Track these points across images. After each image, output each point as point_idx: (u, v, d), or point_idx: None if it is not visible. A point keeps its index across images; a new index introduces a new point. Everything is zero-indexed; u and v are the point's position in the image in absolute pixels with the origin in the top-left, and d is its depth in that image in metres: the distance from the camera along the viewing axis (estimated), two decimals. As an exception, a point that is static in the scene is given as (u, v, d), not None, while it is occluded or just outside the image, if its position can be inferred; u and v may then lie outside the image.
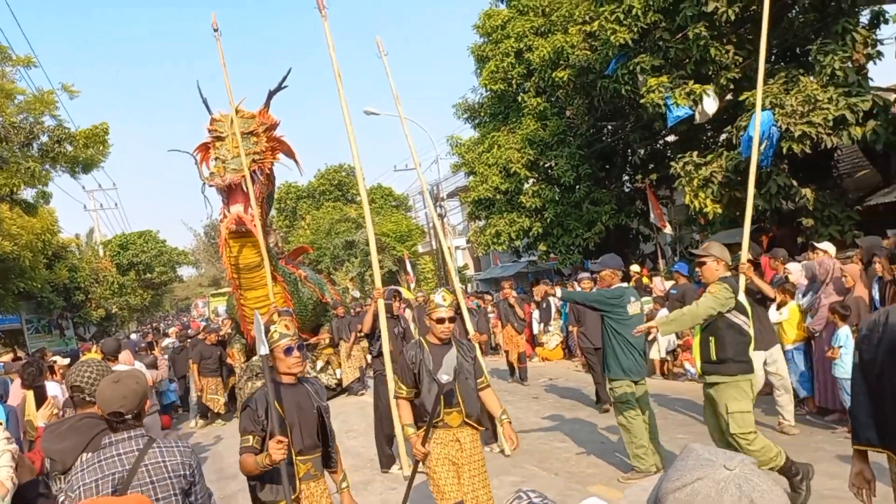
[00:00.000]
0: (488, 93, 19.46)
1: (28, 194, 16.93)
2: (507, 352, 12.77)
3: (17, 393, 7.66)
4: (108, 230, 43.44)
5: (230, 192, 9.44)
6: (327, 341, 13.55)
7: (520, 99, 18.06)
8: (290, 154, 10.21)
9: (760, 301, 7.03)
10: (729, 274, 5.36)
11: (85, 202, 45.20)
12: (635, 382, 6.45)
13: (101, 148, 16.09)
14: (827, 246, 8.06)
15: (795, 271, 8.15)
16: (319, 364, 13.31)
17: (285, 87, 9.75)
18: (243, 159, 9.10)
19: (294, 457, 3.60)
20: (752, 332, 5.23)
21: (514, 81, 18.35)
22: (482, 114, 20.50)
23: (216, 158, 9.29)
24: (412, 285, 27.19)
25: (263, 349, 3.55)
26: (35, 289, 21.77)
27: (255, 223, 9.44)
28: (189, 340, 14.95)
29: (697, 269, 5.73)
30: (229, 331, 13.74)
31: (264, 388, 3.62)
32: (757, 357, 6.15)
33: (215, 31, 8.71)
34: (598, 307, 6.48)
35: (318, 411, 3.77)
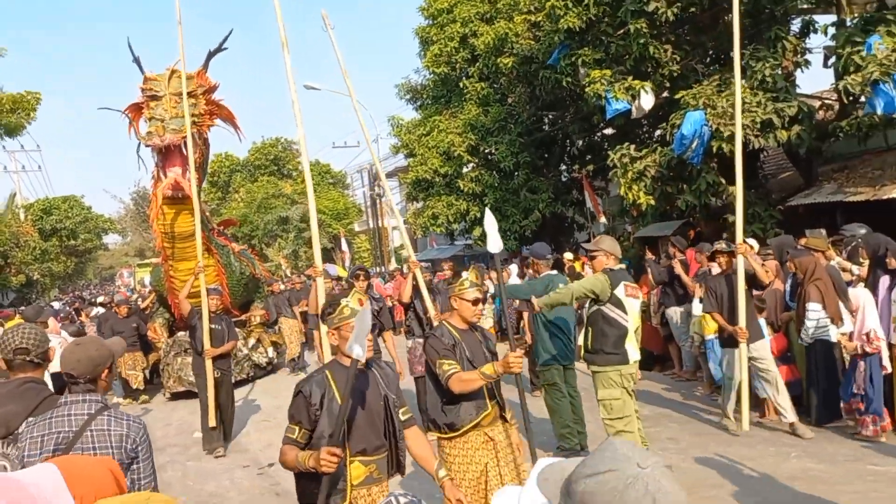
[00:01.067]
0: (432, 75, 19.51)
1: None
2: None
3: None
4: (31, 194, 41.59)
5: (168, 155, 9.00)
6: (258, 318, 13.11)
7: (462, 84, 18.19)
8: (229, 119, 9.81)
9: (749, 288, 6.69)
10: (618, 267, 5.60)
11: (5, 163, 43.08)
12: (564, 367, 6.81)
13: (27, 115, 15.44)
14: (752, 242, 8.52)
15: (716, 266, 8.59)
16: (251, 342, 12.85)
17: (225, 48, 9.38)
18: (187, 119, 8.52)
19: (348, 459, 3.06)
20: (629, 325, 5.48)
21: (457, 66, 18.44)
22: (424, 96, 20.53)
23: (152, 118, 8.83)
24: (347, 263, 27.13)
25: (358, 350, 2.85)
26: (-51, 252, 20.79)
27: (193, 189, 8.95)
28: (99, 314, 14.15)
29: (588, 263, 6.05)
30: (152, 304, 13.27)
31: (320, 372, 3.23)
32: (742, 350, 6.51)
33: None
34: (514, 296, 7.19)
35: (385, 402, 3.20)
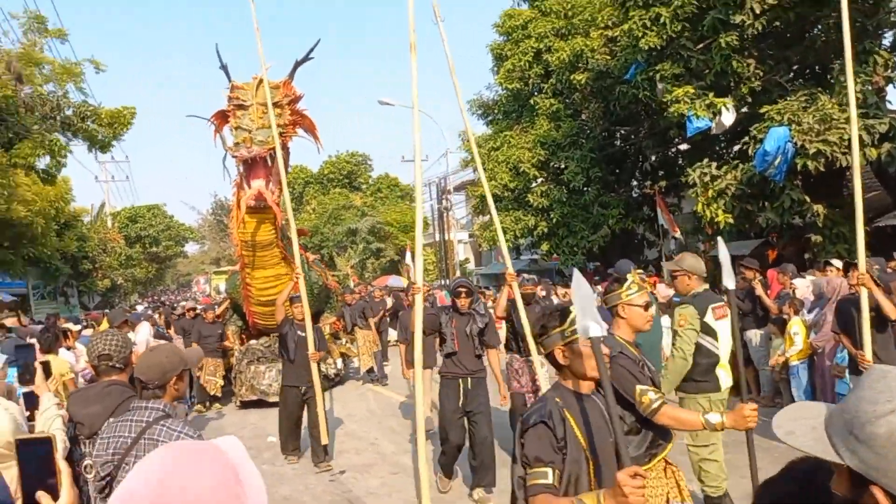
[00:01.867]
0: (504, 91, 19.57)
1: (42, 162, 17.04)
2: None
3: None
4: (118, 202, 43.60)
5: (252, 165, 8.93)
6: (328, 329, 12.68)
7: (533, 101, 18.18)
8: (311, 129, 9.63)
9: (880, 324, 5.97)
10: (703, 288, 5.24)
11: (97, 173, 45.24)
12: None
13: (123, 129, 16.27)
14: (839, 263, 8.19)
15: (802, 287, 8.29)
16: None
17: (312, 58, 9.26)
18: (274, 130, 8.42)
19: None
20: (721, 351, 5.24)
21: (530, 81, 18.46)
22: (496, 111, 20.62)
23: (239, 128, 8.74)
24: (412, 275, 27.38)
25: (595, 328, 2.18)
26: (44, 255, 21.97)
27: (276, 200, 8.96)
28: (184, 321, 13.91)
29: (669, 284, 5.79)
30: (225, 312, 13.27)
31: (547, 400, 2.53)
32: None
33: None
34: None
35: (612, 435, 2.43)
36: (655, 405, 3.16)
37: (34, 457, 1.46)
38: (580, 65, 15.85)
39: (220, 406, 12.27)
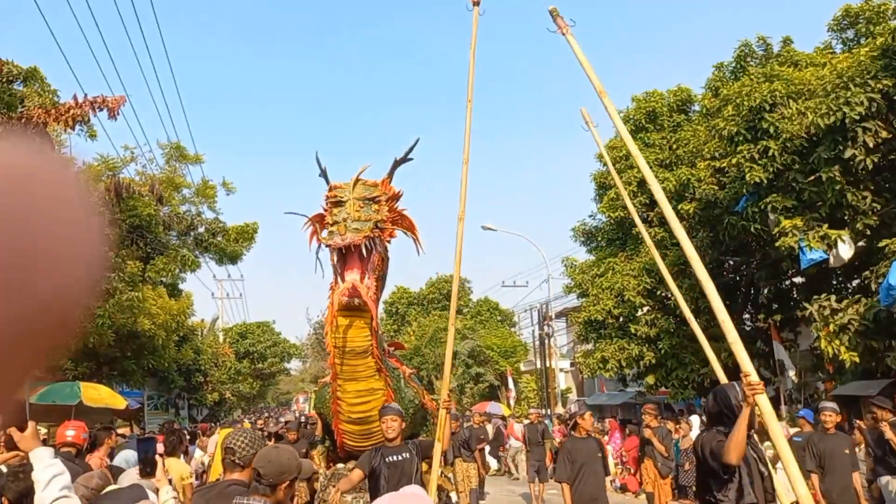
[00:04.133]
0: (607, 219, 19.80)
1: (173, 277, 18.42)
2: (648, 494, 10.96)
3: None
4: (230, 318, 45.91)
5: (346, 259, 8.29)
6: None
7: (636, 231, 18.28)
8: (410, 229, 8.97)
9: None
10: None
11: (213, 290, 48.13)
12: None
13: (247, 244, 17.54)
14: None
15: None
16: None
17: (411, 158, 8.86)
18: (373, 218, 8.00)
19: None
20: None
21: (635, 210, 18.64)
22: (599, 238, 20.78)
23: (334, 222, 8.21)
24: (511, 401, 26.94)
25: None
26: (162, 367, 23.17)
27: (373, 298, 8.29)
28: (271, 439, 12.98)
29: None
30: (320, 432, 11.89)
31: None
32: None
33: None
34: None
35: None
36: None
37: None
38: (687, 194, 15.94)
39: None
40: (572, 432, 6.84)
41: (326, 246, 8.10)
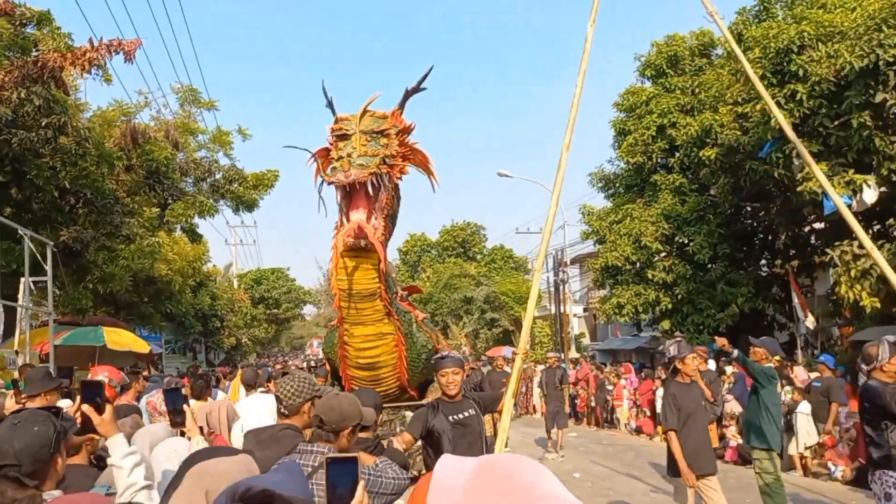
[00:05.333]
0: (626, 165, 19.60)
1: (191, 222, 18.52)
2: None
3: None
4: (244, 265, 46.28)
5: (352, 196, 7.71)
6: None
7: (654, 178, 18.11)
8: (423, 164, 8.33)
9: None
10: None
11: (227, 236, 48.38)
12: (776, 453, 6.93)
13: (265, 191, 17.52)
14: None
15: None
16: None
17: (424, 88, 8.10)
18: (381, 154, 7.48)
19: None
20: None
21: (654, 156, 18.42)
22: (617, 185, 20.61)
23: (339, 157, 7.61)
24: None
25: None
26: (180, 312, 23.49)
27: (381, 239, 7.77)
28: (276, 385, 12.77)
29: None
30: (326, 379, 11.28)
31: None
32: None
33: None
34: (759, 378, 6.88)
35: None
36: None
37: (346, 475, 1.62)
38: (708, 140, 15.71)
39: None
40: (674, 377, 6.09)
41: (329, 183, 7.53)
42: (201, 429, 3.64)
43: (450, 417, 4.78)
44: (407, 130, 7.86)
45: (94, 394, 2.73)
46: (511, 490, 1.10)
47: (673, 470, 5.92)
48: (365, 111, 7.63)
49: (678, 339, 5.80)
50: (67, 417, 2.77)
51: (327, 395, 3.37)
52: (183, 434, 3.67)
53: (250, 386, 8.41)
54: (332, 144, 7.62)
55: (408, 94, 7.98)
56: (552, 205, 4.91)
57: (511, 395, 4.34)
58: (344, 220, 7.59)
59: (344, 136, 7.52)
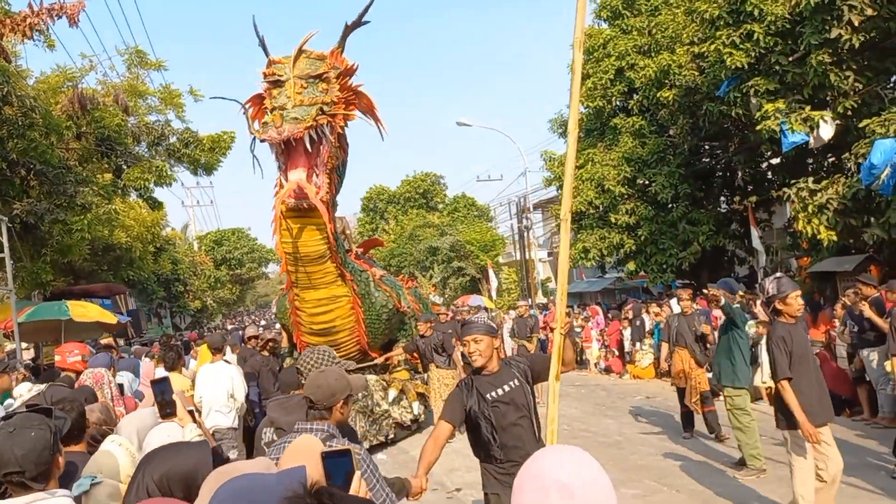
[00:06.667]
0: (586, 109, 19.59)
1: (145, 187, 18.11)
2: (680, 389, 9.05)
3: (150, 373, 8.29)
4: (203, 226, 45.54)
5: (289, 154, 7.05)
6: (401, 362, 10.52)
7: (614, 122, 18.14)
8: (369, 110, 7.63)
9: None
10: None
11: (183, 198, 47.40)
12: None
13: (223, 153, 17.13)
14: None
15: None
16: (392, 393, 9.94)
17: (366, 21, 7.42)
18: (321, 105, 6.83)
19: None
20: None
21: (613, 99, 18.44)
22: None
23: (272, 108, 6.90)
24: (493, 294, 27.49)
25: None
26: (142, 278, 23.12)
27: (325, 198, 7.21)
28: (238, 349, 10.81)
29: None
30: (287, 344, 10.64)
31: None
32: None
33: None
34: (737, 320, 7.30)
35: None
36: None
37: (340, 468, 1.65)
38: (666, 81, 15.77)
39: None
40: (777, 318, 5.17)
41: (262, 140, 6.91)
42: (192, 413, 3.62)
43: (487, 395, 3.76)
44: (349, 72, 7.19)
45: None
46: None
47: (787, 422, 5.02)
48: (300, 52, 6.85)
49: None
50: (60, 416, 2.79)
51: (313, 374, 3.36)
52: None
53: (217, 350, 8.22)
54: (265, 92, 7.00)
55: (348, 30, 7.20)
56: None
57: (555, 376, 3.45)
58: (282, 179, 7.10)
59: (278, 83, 6.90)
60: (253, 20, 7.44)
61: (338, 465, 1.64)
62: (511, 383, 3.81)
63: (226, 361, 8.29)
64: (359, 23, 7.40)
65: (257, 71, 7.21)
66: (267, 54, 7.20)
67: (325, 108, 6.95)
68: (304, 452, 1.97)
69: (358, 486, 1.65)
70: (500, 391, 3.77)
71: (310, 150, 6.95)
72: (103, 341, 11.71)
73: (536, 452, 1.48)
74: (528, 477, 1.35)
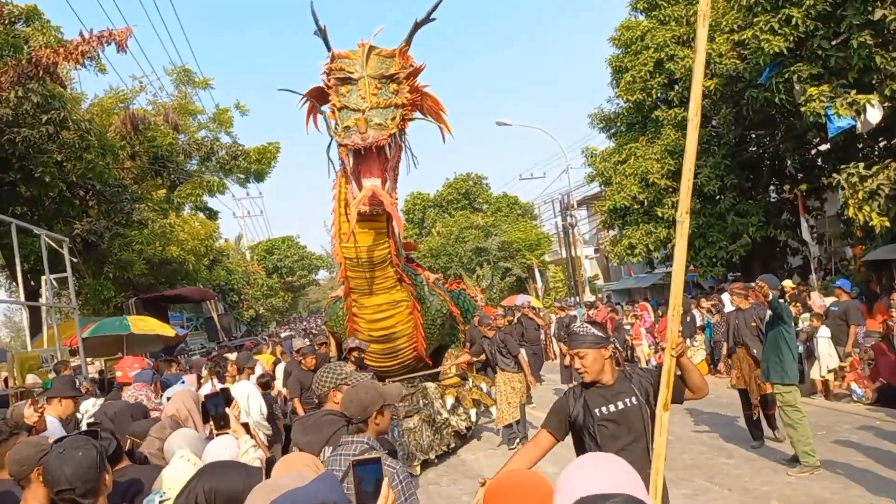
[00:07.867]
0: (626, 103, 19.41)
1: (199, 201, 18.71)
2: (741, 390, 8.54)
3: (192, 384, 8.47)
4: (254, 236, 46.55)
5: (365, 159, 6.78)
6: (454, 370, 10.03)
7: (656, 115, 17.92)
8: (435, 111, 7.41)
9: None
10: None
11: (234, 210, 48.53)
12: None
13: (270, 163, 17.63)
14: None
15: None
16: (449, 401, 9.52)
17: (433, 19, 7.13)
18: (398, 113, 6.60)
19: None
20: None
21: (653, 92, 18.23)
22: (618, 124, 20.46)
23: (344, 108, 6.59)
24: (540, 294, 27.43)
25: None
26: (198, 290, 23.77)
27: (394, 203, 7.12)
28: (279, 365, 10.66)
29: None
30: (332, 352, 10.09)
31: None
32: None
33: None
34: (784, 316, 7.18)
35: None
36: None
37: (370, 475, 1.77)
38: (707, 70, 15.53)
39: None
40: None
41: (343, 144, 6.65)
42: (245, 426, 3.80)
43: (595, 410, 3.29)
44: (417, 73, 6.93)
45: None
46: None
47: None
48: (371, 48, 6.58)
49: None
50: (105, 437, 3.01)
51: (347, 389, 3.48)
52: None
53: (242, 370, 7.82)
54: (331, 88, 6.69)
55: (416, 27, 6.95)
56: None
57: (663, 405, 3.09)
58: (354, 185, 6.82)
59: (347, 80, 6.59)
60: (311, 8, 6.96)
61: (368, 471, 1.76)
62: (627, 400, 3.29)
63: (261, 377, 8.27)
64: (427, 19, 7.06)
65: (319, 63, 6.89)
66: (328, 46, 6.79)
67: (403, 113, 6.81)
68: (296, 464, 2.17)
69: (387, 493, 1.76)
70: (612, 407, 3.27)
71: (386, 156, 6.82)
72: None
73: (570, 465, 1.53)
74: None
